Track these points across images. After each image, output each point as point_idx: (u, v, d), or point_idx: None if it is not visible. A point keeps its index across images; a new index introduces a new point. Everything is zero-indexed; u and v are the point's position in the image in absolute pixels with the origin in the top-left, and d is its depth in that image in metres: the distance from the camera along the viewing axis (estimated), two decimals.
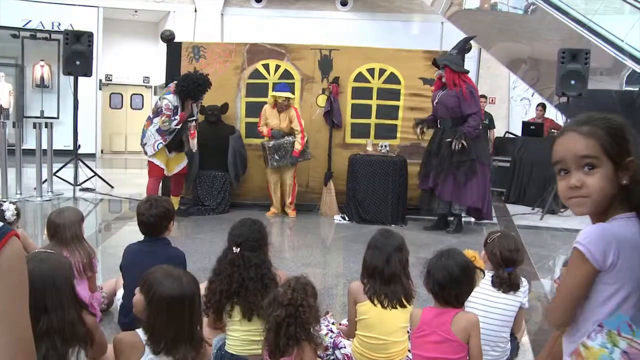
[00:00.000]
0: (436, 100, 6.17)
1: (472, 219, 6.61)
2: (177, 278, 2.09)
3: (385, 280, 2.54)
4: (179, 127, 6.24)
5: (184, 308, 2.06)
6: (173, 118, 6.18)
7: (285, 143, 6.59)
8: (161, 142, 6.25)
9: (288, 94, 6.60)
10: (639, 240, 1.39)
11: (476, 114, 6.00)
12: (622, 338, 1.32)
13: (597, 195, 1.43)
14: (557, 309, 1.50)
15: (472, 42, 6.75)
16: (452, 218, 6.28)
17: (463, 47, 6.45)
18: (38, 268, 1.96)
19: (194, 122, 6.43)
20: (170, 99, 6.19)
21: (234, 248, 2.59)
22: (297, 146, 6.60)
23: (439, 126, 6.22)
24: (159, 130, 6.22)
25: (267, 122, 6.65)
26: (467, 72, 6.32)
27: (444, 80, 6.13)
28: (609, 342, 1.34)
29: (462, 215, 6.24)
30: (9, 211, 3.19)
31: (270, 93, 6.70)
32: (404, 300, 2.54)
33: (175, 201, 6.64)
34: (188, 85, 6.17)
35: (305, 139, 6.65)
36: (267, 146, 6.58)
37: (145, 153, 6.35)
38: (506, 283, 2.70)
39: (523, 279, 2.80)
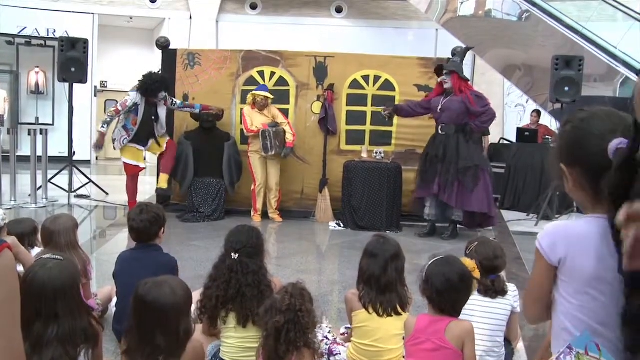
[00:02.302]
0: (440, 107, 6.14)
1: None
2: (157, 285, 2.03)
3: (381, 289, 2.53)
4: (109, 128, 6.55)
5: (152, 314, 1.99)
6: (117, 115, 6.47)
7: (281, 131, 6.70)
8: (126, 138, 6.56)
9: (267, 94, 6.72)
10: (593, 238, 1.37)
11: (487, 111, 6.10)
12: (589, 358, 1.33)
13: (570, 193, 1.49)
14: (527, 305, 1.57)
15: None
16: (447, 224, 6.29)
17: (464, 55, 6.53)
18: (47, 276, 1.95)
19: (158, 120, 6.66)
20: (132, 96, 6.48)
21: (232, 254, 2.59)
22: (290, 137, 6.75)
23: (440, 132, 6.21)
24: (124, 127, 6.53)
25: (252, 122, 6.69)
26: (468, 80, 6.39)
27: (445, 86, 6.15)
28: None
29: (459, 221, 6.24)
30: None
31: (252, 93, 6.74)
32: (399, 308, 2.54)
33: (163, 179, 6.70)
34: (146, 81, 6.43)
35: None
36: (271, 132, 6.59)
37: (114, 149, 6.75)
38: (491, 290, 2.72)
39: (510, 284, 2.81)
